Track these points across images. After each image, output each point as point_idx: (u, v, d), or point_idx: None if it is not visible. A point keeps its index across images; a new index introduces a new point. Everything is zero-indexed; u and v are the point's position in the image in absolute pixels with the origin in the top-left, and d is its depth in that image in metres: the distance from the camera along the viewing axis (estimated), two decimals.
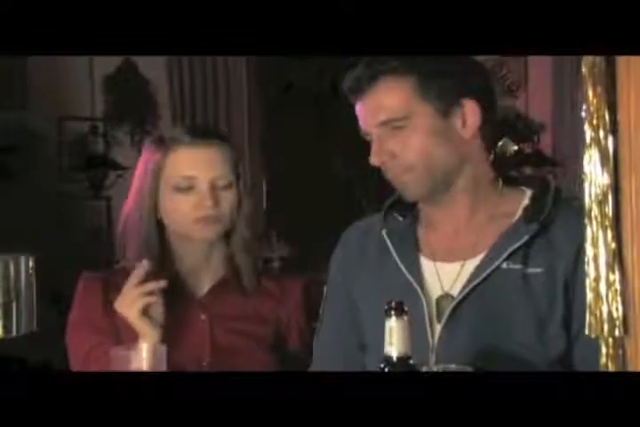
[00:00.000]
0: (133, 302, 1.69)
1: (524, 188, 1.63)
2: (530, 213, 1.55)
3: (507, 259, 1.52)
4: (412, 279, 1.57)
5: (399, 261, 1.60)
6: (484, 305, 1.52)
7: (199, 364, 1.77)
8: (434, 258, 1.60)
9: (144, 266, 1.71)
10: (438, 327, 1.53)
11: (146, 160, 1.82)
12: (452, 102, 1.54)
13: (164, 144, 1.80)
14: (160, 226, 1.81)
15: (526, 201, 1.58)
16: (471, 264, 1.55)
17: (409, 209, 1.67)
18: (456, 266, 1.57)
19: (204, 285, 1.84)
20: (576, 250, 1.49)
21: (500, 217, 1.58)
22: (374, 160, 1.58)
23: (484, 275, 1.52)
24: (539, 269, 1.51)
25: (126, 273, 1.82)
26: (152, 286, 1.70)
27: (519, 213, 1.57)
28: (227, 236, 1.84)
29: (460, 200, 1.60)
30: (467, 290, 1.53)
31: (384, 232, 1.64)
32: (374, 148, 1.57)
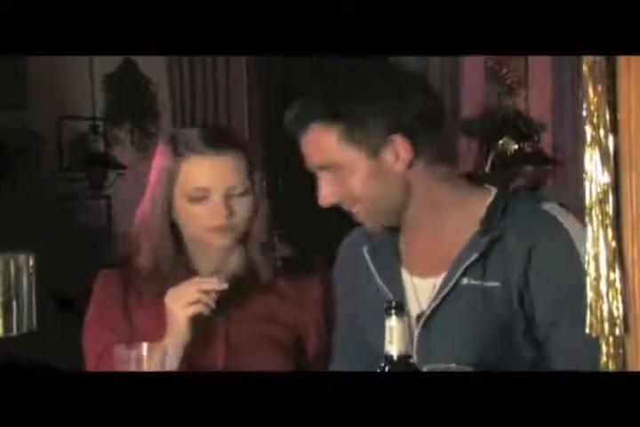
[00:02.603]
0: (190, 305, 1.69)
1: (489, 186, 1.62)
2: (485, 227, 1.55)
3: (465, 275, 1.53)
4: (392, 298, 1.57)
5: (380, 281, 1.62)
6: (449, 321, 1.54)
7: (214, 365, 1.77)
8: (412, 273, 1.62)
9: (220, 284, 1.71)
10: (414, 346, 1.55)
11: (158, 164, 1.81)
12: (380, 142, 1.53)
13: (176, 149, 1.78)
14: (175, 229, 1.80)
15: (484, 211, 1.57)
16: (439, 281, 1.57)
17: None
18: (430, 282, 1.59)
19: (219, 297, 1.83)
20: (526, 259, 1.50)
21: (467, 227, 1.57)
22: (322, 202, 1.58)
23: (444, 293, 1.54)
24: (496, 283, 1.52)
25: (143, 272, 1.82)
26: (211, 302, 1.70)
27: (477, 225, 1.56)
28: (244, 238, 1.83)
29: (420, 220, 1.60)
30: (432, 307, 1.55)
31: (365, 250, 1.66)
32: (319, 189, 1.59)
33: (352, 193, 1.56)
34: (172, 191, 1.78)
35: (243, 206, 1.78)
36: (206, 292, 1.69)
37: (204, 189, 1.76)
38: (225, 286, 1.71)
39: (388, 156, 1.54)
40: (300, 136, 1.57)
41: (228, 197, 1.77)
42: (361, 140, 1.53)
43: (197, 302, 1.69)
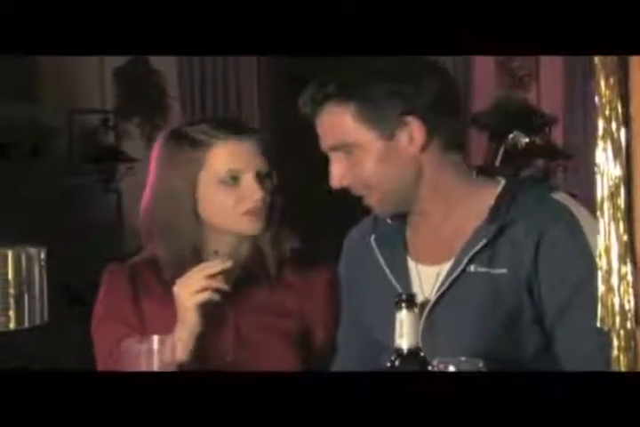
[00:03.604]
0: (198, 292, 1.68)
1: (499, 178, 1.62)
2: (493, 214, 1.55)
3: (472, 262, 1.53)
4: (398, 287, 1.58)
5: (386, 269, 1.62)
6: (455, 309, 1.54)
7: (224, 357, 1.77)
8: (417, 260, 1.62)
9: (224, 263, 1.71)
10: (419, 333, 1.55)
11: (170, 156, 1.80)
12: (395, 124, 1.53)
13: (194, 141, 1.78)
14: (198, 220, 1.80)
15: (492, 201, 1.57)
16: (446, 268, 1.57)
17: None
18: (434, 270, 1.59)
19: (229, 278, 1.83)
20: (535, 246, 1.50)
21: (474, 216, 1.57)
22: (333, 183, 1.59)
23: (451, 280, 1.54)
24: (503, 270, 1.52)
25: (153, 263, 1.82)
26: (221, 285, 1.70)
27: (486, 213, 1.56)
28: None
29: (428, 208, 1.60)
30: (437, 295, 1.55)
31: (372, 239, 1.66)
32: (331, 171, 1.59)
33: (363, 176, 1.56)
34: (197, 182, 1.78)
35: (268, 191, 1.79)
36: (213, 276, 1.70)
37: (236, 171, 1.77)
38: (229, 263, 1.71)
39: (402, 137, 1.54)
40: (316, 117, 1.58)
41: (259, 178, 1.78)
42: (375, 120, 1.53)
43: (206, 289, 1.69)
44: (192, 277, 1.70)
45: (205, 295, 1.69)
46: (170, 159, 1.81)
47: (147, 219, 1.83)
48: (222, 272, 1.70)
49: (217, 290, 1.70)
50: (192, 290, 1.69)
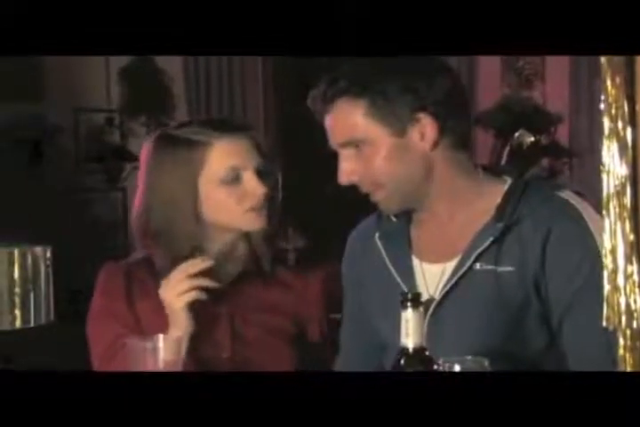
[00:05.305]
0: (184, 293, 1.69)
1: (505, 177, 1.62)
2: (500, 213, 1.55)
3: (478, 260, 1.53)
4: (403, 285, 1.58)
5: (391, 267, 1.61)
6: (460, 307, 1.54)
7: (220, 355, 1.78)
8: (422, 259, 1.62)
9: (206, 262, 1.71)
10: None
11: (165, 159, 1.79)
12: (406, 120, 1.53)
13: (189, 141, 1.78)
14: (198, 221, 1.80)
15: (499, 199, 1.57)
16: (450, 266, 1.57)
17: None
18: (439, 267, 1.59)
19: (225, 277, 1.83)
20: (542, 244, 1.51)
21: (480, 215, 1.57)
22: (341, 180, 1.58)
23: (457, 277, 1.54)
24: (510, 268, 1.52)
25: (149, 263, 1.82)
26: (206, 282, 1.70)
27: (493, 211, 1.56)
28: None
29: (435, 206, 1.60)
30: (443, 293, 1.55)
31: (377, 236, 1.66)
32: (339, 167, 1.58)
33: (373, 172, 1.55)
34: (196, 182, 1.78)
35: (269, 187, 1.79)
36: (195, 275, 1.70)
37: (236, 168, 1.77)
38: (210, 262, 1.71)
39: (413, 134, 1.54)
40: (326, 113, 1.57)
41: (259, 174, 1.78)
42: (387, 116, 1.53)
43: (190, 289, 1.69)
44: (175, 279, 1.70)
45: (192, 295, 1.69)
46: (165, 163, 1.79)
47: (140, 224, 1.82)
48: (205, 270, 1.70)
49: (203, 288, 1.70)
50: (177, 291, 1.69)
